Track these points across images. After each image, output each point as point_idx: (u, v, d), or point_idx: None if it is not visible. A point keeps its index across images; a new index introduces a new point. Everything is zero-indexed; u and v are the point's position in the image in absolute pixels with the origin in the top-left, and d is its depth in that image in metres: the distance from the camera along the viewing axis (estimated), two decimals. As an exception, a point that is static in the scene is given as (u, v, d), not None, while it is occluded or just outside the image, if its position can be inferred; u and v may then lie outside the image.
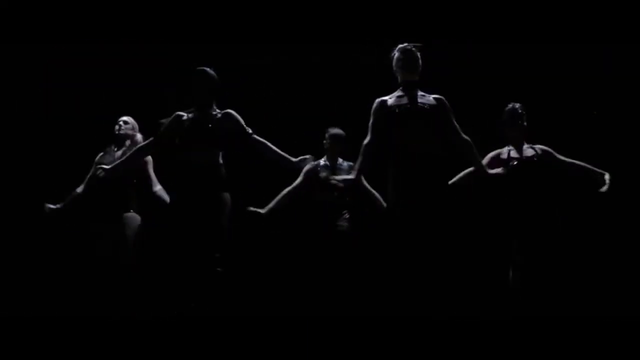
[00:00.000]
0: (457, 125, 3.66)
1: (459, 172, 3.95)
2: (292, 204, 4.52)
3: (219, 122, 3.71)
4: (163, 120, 3.83)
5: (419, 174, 3.51)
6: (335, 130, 4.57)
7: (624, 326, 3.46)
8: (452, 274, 3.55)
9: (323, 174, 4.53)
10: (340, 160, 4.59)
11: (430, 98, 3.63)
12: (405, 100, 3.61)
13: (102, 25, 5.15)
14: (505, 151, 4.07)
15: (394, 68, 3.68)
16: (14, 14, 5.07)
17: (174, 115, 3.76)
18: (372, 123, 3.67)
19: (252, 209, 4.30)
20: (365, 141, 3.65)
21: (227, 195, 3.68)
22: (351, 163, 4.60)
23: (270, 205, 4.42)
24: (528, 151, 4.04)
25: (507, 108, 4.10)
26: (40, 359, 3.11)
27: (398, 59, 3.65)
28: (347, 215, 4.51)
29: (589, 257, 4.67)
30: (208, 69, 3.75)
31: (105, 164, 4.03)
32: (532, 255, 3.86)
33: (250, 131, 3.74)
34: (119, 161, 3.93)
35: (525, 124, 4.05)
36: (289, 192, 4.49)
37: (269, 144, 3.73)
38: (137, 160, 3.93)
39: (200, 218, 3.58)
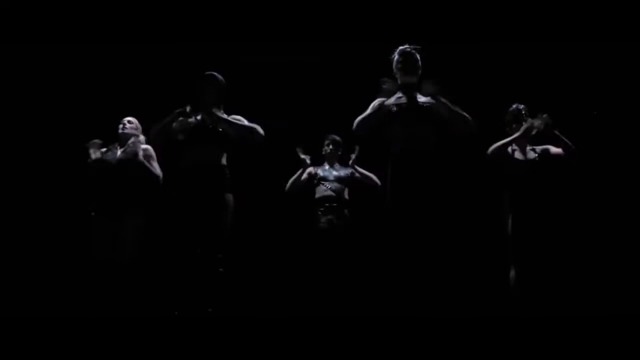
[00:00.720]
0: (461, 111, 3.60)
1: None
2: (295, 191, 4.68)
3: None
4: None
5: (417, 173, 3.52)
6: (334, 136, 4.75)
7: (624, 326, 3.46)
8: (452, 273, 3.55)
9: (322, 175, 4.65)
10: (338, 165, 4.75)
11: (428, 97, 3.62)
12: (404, 100, 3.61)
13: (102, 26, 5.15)
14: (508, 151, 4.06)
15: (394, 70, 3.69)
16: (14, 14, 5.06)
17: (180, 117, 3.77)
18: (367, 114, 3.65)
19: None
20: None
21: (230, 196, 3.70)
22: (350, 168, 4.66)
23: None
24: (530, 153, 4.04)
25: (510, 109, 4.08)
26: (40, 359, 3.11)
27: (398, 61, 3.66)
28: (346, 215, 4.54)
29: (589, 257, 4.67)
30: (217, 74, 3.79)
31: (108, 162, 4.10)
32: (532, 255, 3.86)
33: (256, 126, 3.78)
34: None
35: None
36: (294, 180, 4.64)
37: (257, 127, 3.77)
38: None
39: (204, 218, 3.59)
